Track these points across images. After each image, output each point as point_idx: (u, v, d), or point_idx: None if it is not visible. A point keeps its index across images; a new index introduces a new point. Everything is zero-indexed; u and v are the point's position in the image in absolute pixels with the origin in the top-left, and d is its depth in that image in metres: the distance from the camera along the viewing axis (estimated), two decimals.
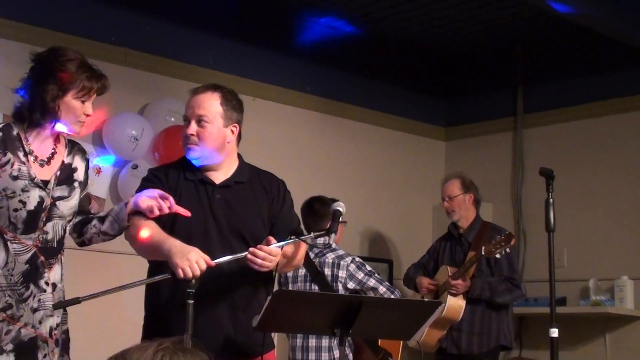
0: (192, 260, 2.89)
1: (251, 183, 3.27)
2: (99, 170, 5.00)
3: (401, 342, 4.67)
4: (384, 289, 4.53)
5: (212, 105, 3.18)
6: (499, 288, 4.98)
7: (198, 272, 2.89)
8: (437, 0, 5.62)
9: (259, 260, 3.00)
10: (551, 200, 3.90)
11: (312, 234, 3.16)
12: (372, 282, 4.54)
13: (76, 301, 2.91)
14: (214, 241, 3.09)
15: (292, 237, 3.15)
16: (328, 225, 3.13)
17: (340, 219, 3.12)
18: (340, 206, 3.14)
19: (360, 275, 4.54)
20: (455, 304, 4.96)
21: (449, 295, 4.96)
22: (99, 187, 4.99)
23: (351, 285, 4.52)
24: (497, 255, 4.81)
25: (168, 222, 3.12)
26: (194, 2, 5.53)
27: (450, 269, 5.07)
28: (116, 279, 4.85)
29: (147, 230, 3.04)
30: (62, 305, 2.99)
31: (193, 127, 3.15)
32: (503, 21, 5.95)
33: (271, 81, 5.79)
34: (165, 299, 3.12)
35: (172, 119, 5.11)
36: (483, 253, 4.83)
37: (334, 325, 3.01)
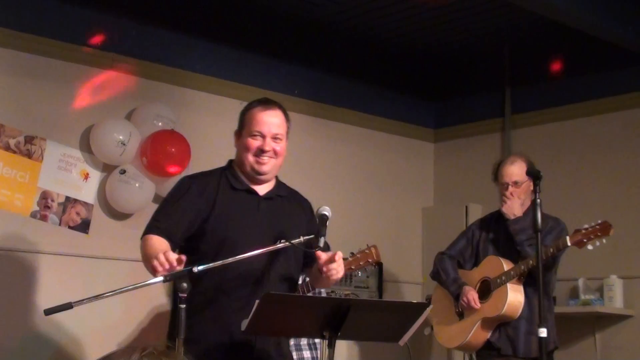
0: (159, 257, 2.98)
1: (289, 198, 3.49)
2: (86, 176, 4.99)
3: None
4: None
5: (283, 123, 3.43)
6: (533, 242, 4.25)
7: (166, 265, 2.97)
8: (424, 2, 5.62)
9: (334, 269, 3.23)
10: (538, 200, 3.90)
11: (301, 238, 3.17)
12: None
13: (68, 306, 2.90)
14: (259, 246, 3.16)
15: (282, 240, 3.18)
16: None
17: (327, 223, 3.14)
18: (326, 210, 3.18)
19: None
20: (515, 300, 4.45)
21: (508, 291, 4.46)
22: (87, 193, 4.98)
23: None
24: (590, 247, 4.26)
25: (211, 230, 3.30)
26: (180, 7, 5.53)
27: (505, 262, 4.53)
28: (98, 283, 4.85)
29: None
30: (53, 310, 2.97)
31: (270, 144, 3.36)
32: (490, 23, 5.96)
33: (259, 84, 5.78)
34: (198, 306, 3.20)
35: (160, 124, 5.10)
36: (569, 244, 4.27)
37: (323, 327, 3.02)
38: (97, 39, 5.11)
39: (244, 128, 3.39)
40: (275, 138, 3.37)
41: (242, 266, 3.18)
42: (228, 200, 3.34)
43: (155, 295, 5.03)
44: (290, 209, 3.46)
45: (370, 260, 4.64)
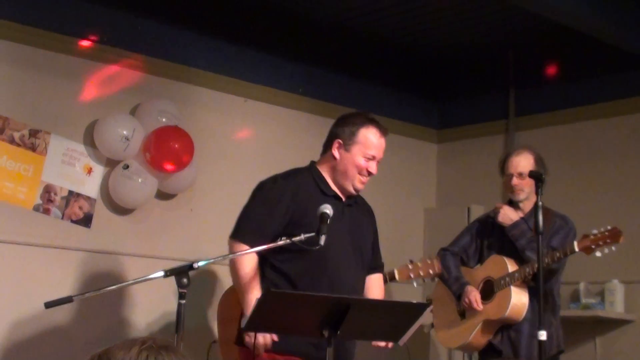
0: (266, 337, 3.33)
1: (361, 206, 3.71)
2: (90, 170, 5.00)
3: None
4: None
5: None
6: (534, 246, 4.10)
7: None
8: (429, 3, 5.63)
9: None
10: (540, 203, 3.89)
11: (302, 236, 3.17)
12: None
13: (68, 300, 2.92)
14: (346, 252, 3.37)
15: (283, 237, 3.20)
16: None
17: (328, 221, 3.15)
18: (327, 208, 3.19)
19: None
20: (519, 303, 4.33)
21: (512, 293, 4.33)
22: (90, 187, 4.99)
23: None
24: (598, 254, 4.12)
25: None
26: (185, 3, 5.53)
27: (509, 262, 4.39)
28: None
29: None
30: (54, 303, 2.97)
31: (375, 167, 3.63)
32: (495, 24, 5.96)
33: (263, 82, 5.79)
34: None
35: (164, 119, 5.10)
36: (577, 249, 4.14)
37: (322, 326, 3.02)
38: (102, 34, 5.11)
39: (355, 144, 3.57)
40: (378, 161, 3.63)
41: (333, 274, 3.43)
42: (319, 204, 3.41)
43: (165, 291, 5.03)
44: (362, 216, 3.71)
45: (431, 271, 4.22)
